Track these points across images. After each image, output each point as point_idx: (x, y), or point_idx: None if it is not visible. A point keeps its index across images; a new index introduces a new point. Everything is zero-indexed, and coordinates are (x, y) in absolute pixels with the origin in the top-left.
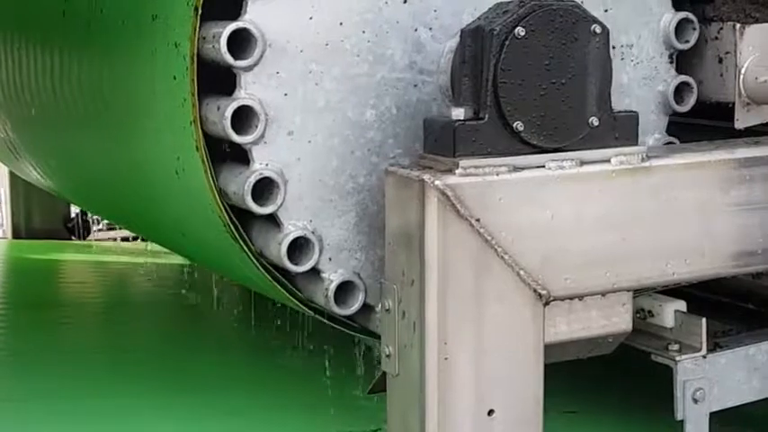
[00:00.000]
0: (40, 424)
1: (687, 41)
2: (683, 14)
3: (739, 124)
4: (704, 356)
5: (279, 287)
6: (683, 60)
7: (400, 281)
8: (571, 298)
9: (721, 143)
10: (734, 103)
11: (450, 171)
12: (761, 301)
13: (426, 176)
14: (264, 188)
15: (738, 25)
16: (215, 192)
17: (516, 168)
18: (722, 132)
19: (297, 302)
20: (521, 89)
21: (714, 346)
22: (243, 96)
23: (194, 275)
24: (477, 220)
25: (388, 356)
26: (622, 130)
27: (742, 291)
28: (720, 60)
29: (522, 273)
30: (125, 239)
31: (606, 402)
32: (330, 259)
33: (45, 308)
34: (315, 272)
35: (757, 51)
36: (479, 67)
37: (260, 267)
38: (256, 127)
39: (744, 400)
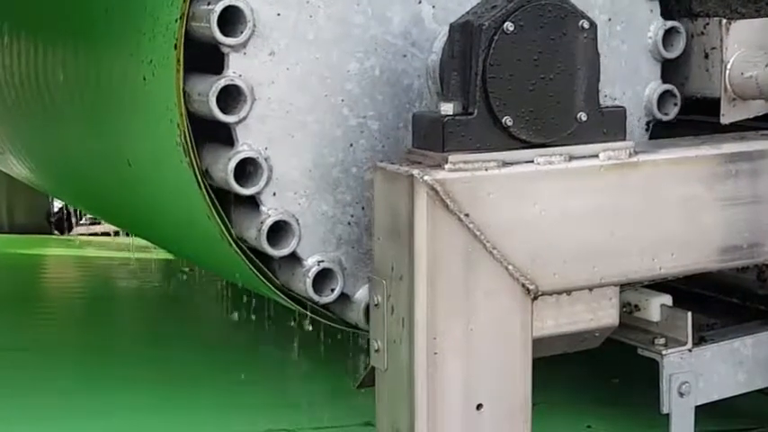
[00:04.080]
0: (18, 419)
1: (667, 114)
2: (667, 87)
3: (725, 119)
4: (690, 350)
5: (215, 215)
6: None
7: (389, 276)
8: (559, 293)
9: (707, 138)
10: (720, 99)
11: (440, 166)
12: (745, 295)
13: (415, 172)
14: (231, 97)
15: (724, 21)
16: (180, 93)
17: (505, 164)
18: (708, 128)
19: (227, 236)
20: (509, 84)
21: (699, 340)
22: None
23: (178, 270)
24: (467, 215)
25: (376, 351)
26: (610, 125)
27: (727, 285)
28: (706, 56)
29: (510, 268)
30: (108, 234)
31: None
32: (274, 194)
33: (26, 302)
34: (254, 203)
35: (743, 47)
36: (468, 62)
37: (203, 187)
38: (241, 33)
39: (729, 393)
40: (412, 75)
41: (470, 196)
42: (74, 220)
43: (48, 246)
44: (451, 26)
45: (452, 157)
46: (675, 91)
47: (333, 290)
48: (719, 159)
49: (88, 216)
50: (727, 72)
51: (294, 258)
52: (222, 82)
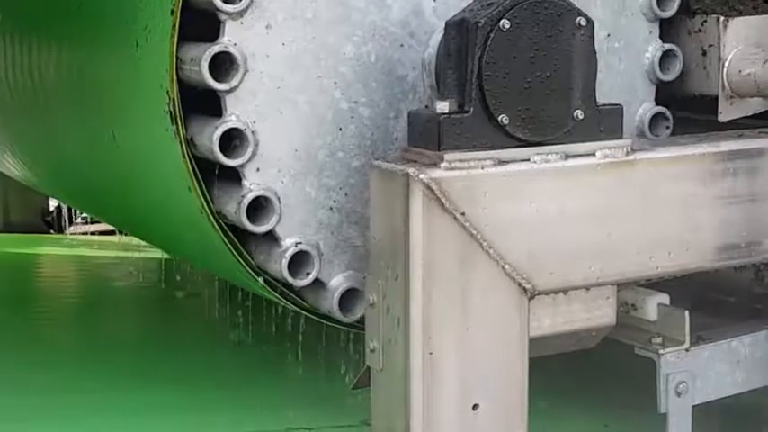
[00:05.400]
0: (15, 419)
1: (658, 135)
2: (659, 109)
3: (723, 117)
4: (687, 350)
5: (196, 187)
6: None
7: (385, 275)
8: (555, 292)
9: (705, 136)
10: (717, 96)
11: (435, 165)
12: (742, 294)
13: (411, 170)
14: (223, 67)
15: (722, 18)
16: (173, 59)
17: (501, 162)
18: (706, 125)
19: (207, 210)
20: (505, 82)
21: (697, 340)
22: None
23: (174, 270)
24: (462, 213)
25: (372, 351)
26: (607, 123)
27: (724, 284)
28: (704, 53)
29: (507, 267)
30: (103, 233)
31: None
32: (258, 170)
33: (22, 302)
34: (237, 179)
35: (741, 44)
36: (464, 60)
37: (186, 155)
38: (240, 1)
39: (726, 392)
40: (407, 66)
41: (466, 195)
42: (70, 219)
43: (43, 245)
44: (447, 23)
45: (448, 156)
46: (668, 114)
47: (308, 273)
48: (717, 157)
49: (84, 215)
50: (725, 70)
51: (272, 238)
52: (216, 48)
